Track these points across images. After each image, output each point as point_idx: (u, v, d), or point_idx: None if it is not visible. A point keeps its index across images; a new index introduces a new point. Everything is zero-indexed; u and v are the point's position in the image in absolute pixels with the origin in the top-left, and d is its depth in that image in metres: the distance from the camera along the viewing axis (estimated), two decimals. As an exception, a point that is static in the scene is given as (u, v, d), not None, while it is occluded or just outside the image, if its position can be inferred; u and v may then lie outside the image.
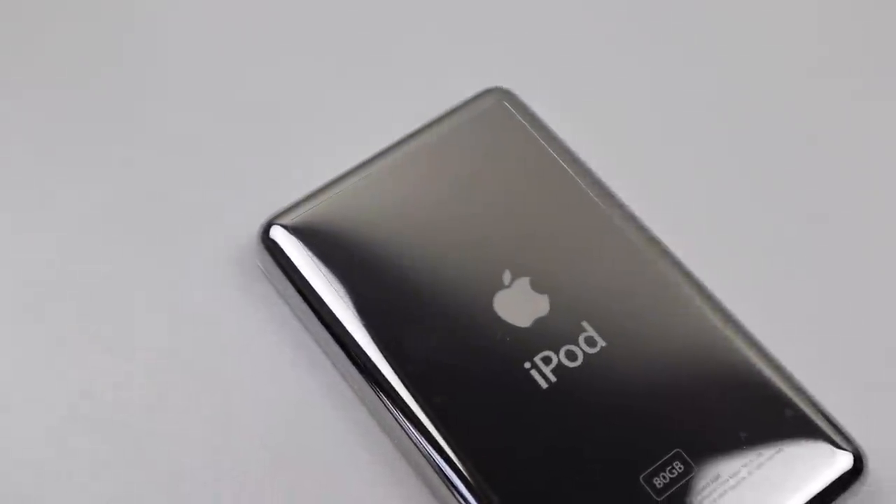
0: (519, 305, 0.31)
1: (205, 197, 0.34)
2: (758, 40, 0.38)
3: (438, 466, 0.28)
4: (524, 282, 0.31)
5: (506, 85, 0.35)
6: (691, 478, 0.28)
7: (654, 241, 0.32)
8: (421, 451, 0.29)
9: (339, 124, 0.36)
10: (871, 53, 0.38)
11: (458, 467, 0.28)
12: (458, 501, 0.28)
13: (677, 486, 0.28)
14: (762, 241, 0.34)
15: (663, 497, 0.28)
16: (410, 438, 0.29)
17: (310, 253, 0.31)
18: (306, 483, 0.30)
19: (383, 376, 0.29)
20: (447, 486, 0.28)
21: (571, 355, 0.30)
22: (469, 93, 0.35)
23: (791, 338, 0.31)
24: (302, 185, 0.33)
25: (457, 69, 0.37)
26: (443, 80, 0.36)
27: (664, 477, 0.28)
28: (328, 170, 0.33)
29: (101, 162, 0.35)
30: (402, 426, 0.29)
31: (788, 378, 0.30)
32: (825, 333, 0.32)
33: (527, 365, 0.30)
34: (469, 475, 0.28)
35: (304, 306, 0.31)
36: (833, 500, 0.28)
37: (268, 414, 0.31)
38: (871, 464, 0.29)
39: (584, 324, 0.30)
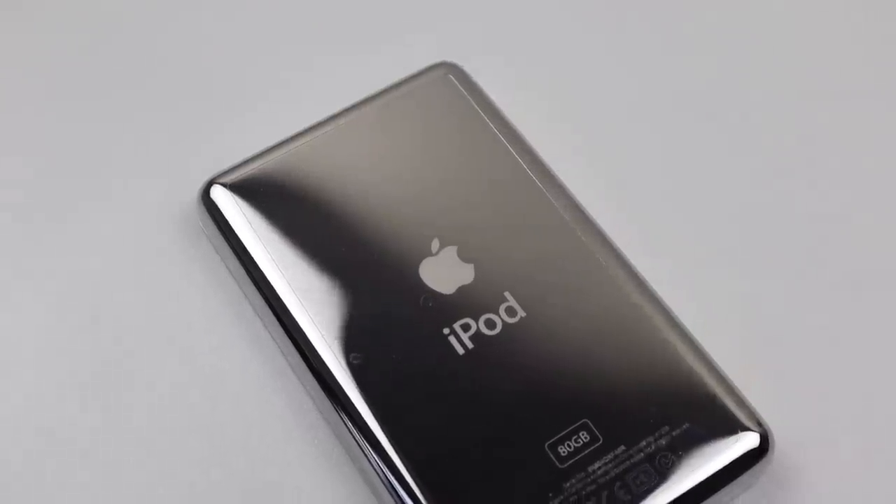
0: (444, 273, 0.31)
1: (153, 158, 0.36)
2: (710, 23, 0.39)
3: (351, 424, 0.29)
4: (451, 250, 0.32)
5: (462, 62, 0.36)
6: (596, 448, 0.28)
7: (584, 219, 0.32)
8: (335, 409, 0.29)
9: (292, 92, 0.37)
10: (824, 49, 0.38)
11: (367, 426, 0.29)
12: (368, 460, 0.29)
13: (581, 455, 0.28)
14: (689, 224, 0.34)
15: (566, 465, 0.28)
16: (326, 395, 0.30)
17: (245, 212, 0.32)
18: (230, 432, 0.31)
19: (303, 333, 0.30)
20: (358, 444, 0.29)
21: (490, 324, 0.30)
22: (421, 66, 0.35)
23: (710, 318, 0.32)
24: (251, 150, 0.34)
25: (412, 43, 0.38)
26: (396, 53, 0.37)
27: (569, 445, 0.28)
28: (277, 135, 0.34)
29: (50, 120, 0.36)
30: (319, 383, 0.30)
31: (702, 356, 0.30)
32: (744, 314, 0.32)
33: (445, 331, 0.30)
34: (378, 434, 0.29)
35: (237, 263, 0.32)
36: (735, 478, 0.28)
37: (199, 368, 0.32)
38: (782, 446, 0.29)
39: (507, 294, 0.31)
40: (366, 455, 0.29)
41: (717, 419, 0.29)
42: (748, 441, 0.29)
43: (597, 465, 0.28)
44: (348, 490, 0.30)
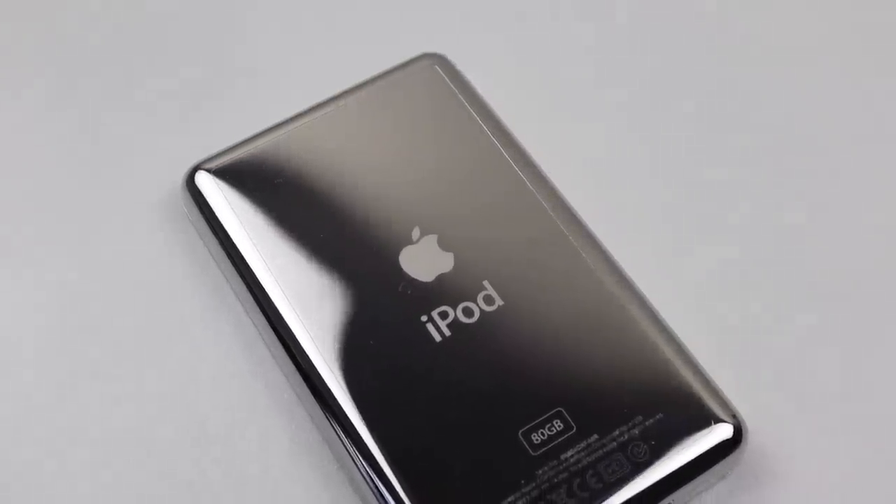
0: (424, 261, 0.31)
1: (139, 144, 0.36)
2: (698, 16, 0.39)
3: (326, 409, 0.29)
4: (432, 239, 0.32)
5: (449, 53, 0.36)
6: (569, 437, 0.29)
7: (565, 211, 0.32)
8: (311, 393, 0.30)
9: (278, 80, 0.37)
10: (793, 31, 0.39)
11: (343, 410, 0.29)
12: (343, 445, 0.29)
13: (554, 443, 0.28)
14: (667, 215, 0.34)
15: (538, 452, 0.28)
16: (303, 380, 0.30)
17: (229, 198, 0.32)
18: (212, 415, 0.31)
19: (282, 318, 0.30)
20: (332, 428, 0.29)
21: (468, 311, 0.30)
22: (408, 57, 0.36)
23: (687, 309, 0.32)
24: (236, 137, 0.34)
25: (399, 33, 0.38)
26: (383, 43, 0.37)
27: (542, 434, 0.29)
28: (263, 122, 0.34)
29: (36, 110, 0.37)
30: (296, 367, 0.30)
31: (678, 347, 0.30)
32: (720, 305, 0.32)
33: (423, 318, 0.30)
34: (354, 419, 0.29)
35: (220, 249, 0.32)
36: (707, 469, 0.28)
37: (183, 356, 0.32)
38: (756, 437, 0.29)
39: (485, 283, 0.31)
40: (340, 440, 0.29)
41: (690, 410, 0.29)
42: (721, 432, 0.29)
43: (569, 453, 0.28)
44: (327, 478, 0.30)
